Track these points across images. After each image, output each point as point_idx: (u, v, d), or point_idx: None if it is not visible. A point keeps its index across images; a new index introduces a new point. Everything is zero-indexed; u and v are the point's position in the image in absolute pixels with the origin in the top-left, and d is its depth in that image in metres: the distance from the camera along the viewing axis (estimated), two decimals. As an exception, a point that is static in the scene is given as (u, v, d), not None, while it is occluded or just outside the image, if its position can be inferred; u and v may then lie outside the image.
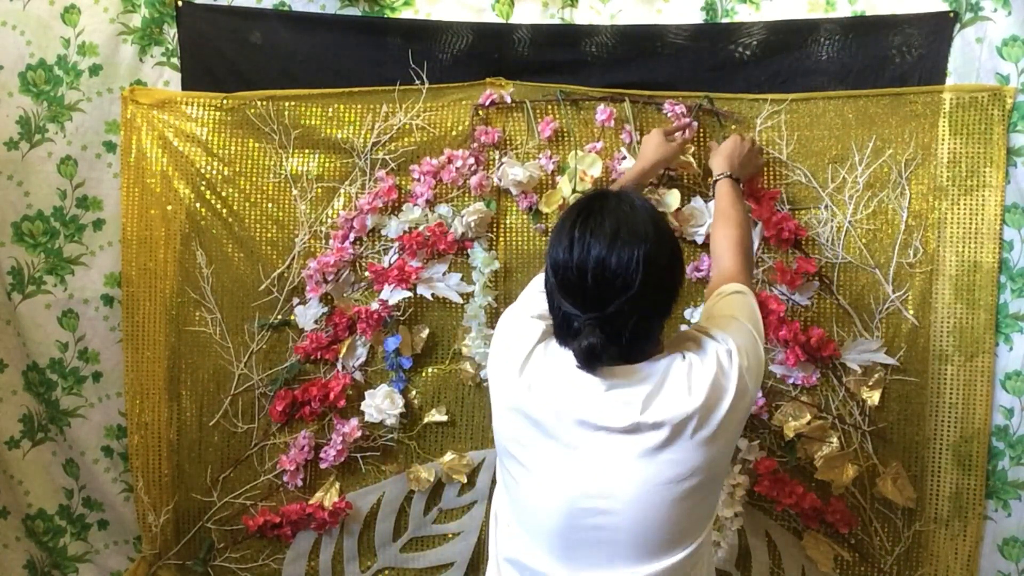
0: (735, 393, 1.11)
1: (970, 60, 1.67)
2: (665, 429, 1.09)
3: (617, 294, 1.06)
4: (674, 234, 1.19)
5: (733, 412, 1.11)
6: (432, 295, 1.83)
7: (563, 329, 1.12)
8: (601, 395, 1.11)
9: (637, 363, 1.12)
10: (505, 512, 1.26)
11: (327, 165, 1.85)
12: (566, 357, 1.14)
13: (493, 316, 1.80)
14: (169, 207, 1.87)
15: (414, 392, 1.87)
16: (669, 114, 1.74)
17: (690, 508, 1.13)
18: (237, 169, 1.86)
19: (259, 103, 1.83)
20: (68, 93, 1.83)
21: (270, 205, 1.86)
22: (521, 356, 1.17)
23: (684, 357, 1.13)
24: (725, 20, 1.73)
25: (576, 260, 1.07)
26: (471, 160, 1.79)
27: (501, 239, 1.82)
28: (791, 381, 1.75)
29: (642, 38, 1.75)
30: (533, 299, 1.27)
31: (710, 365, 1.11)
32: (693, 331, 1.19)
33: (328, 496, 1.87)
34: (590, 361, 1.08)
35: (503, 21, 1.78)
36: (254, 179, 1.86)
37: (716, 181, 1.57)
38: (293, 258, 1.85)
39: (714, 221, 1.49)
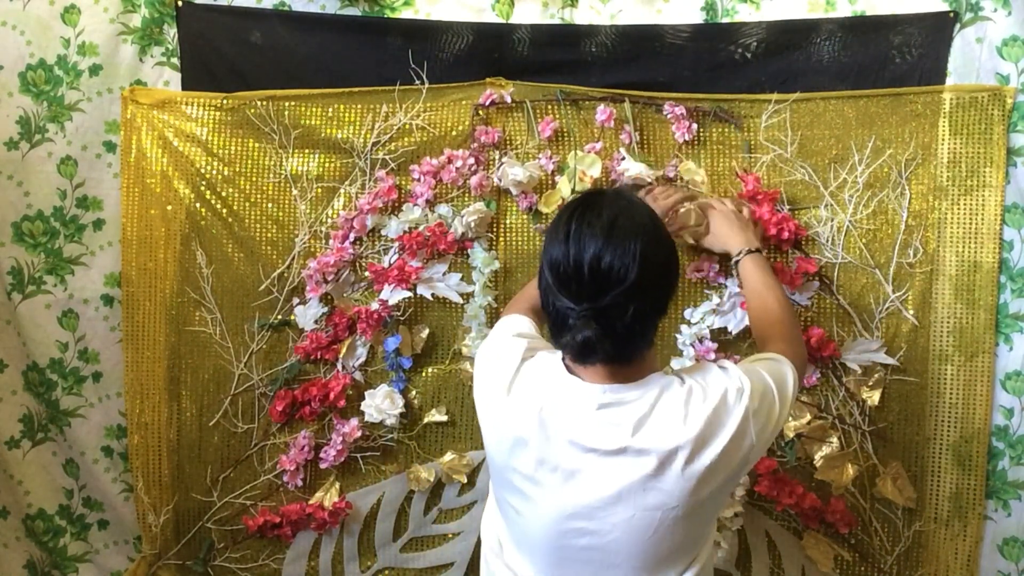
0: (734, 432, 1.07)
1: (970, 60, 1.67)
2: (652, 458, 1.06)
3: (613, 286, 1.04)
4: (669, 233, 1.18)
5: (727, 454, 1.07)
6: (432, 295, 1.83)
7: (557, 325, 1.09)
8: (592, 414, 1.09)
9: (632, 380, 1.10)
10: (497, 531, 1.26)
11: (327, 165, 1.85)
12: (554, 371, 1.13)
13: (493, 316, 1.80)
14: (169, 207, 1.87)
15: (414, 392, 1.87)
16: (669, 115, 1.74)
17: (682, 533, 1.11)
18: (237, 169, 1.86)
19: (259, 103, 1.83)
20: (68, 93, 1.83)
21: (270, 205, 1.86)
22: (508, 375, 1.16)
23: (684, 382, 1.10)
24: (725, 20, 1.73)
25: (573, 253, 1.05)
26: (471, 160, 1.79)
27: (501, 239, 1.82)
28: (791, 381, 1.75)
29: (642, 38, 1.75)
30: (513, 320, 1.27)
31: (712, 397, 1.08)
32: (709, 363, 1.16)
33: (328, 496, 1.87)
34: (584, 355, 1.06)
35: (503, 21, 1.78)
36: (254, 179, 1.86)
37: (737, 262, 1.51)
38: (293, 258, 1.85)
39: (749, 304, 1.44)
